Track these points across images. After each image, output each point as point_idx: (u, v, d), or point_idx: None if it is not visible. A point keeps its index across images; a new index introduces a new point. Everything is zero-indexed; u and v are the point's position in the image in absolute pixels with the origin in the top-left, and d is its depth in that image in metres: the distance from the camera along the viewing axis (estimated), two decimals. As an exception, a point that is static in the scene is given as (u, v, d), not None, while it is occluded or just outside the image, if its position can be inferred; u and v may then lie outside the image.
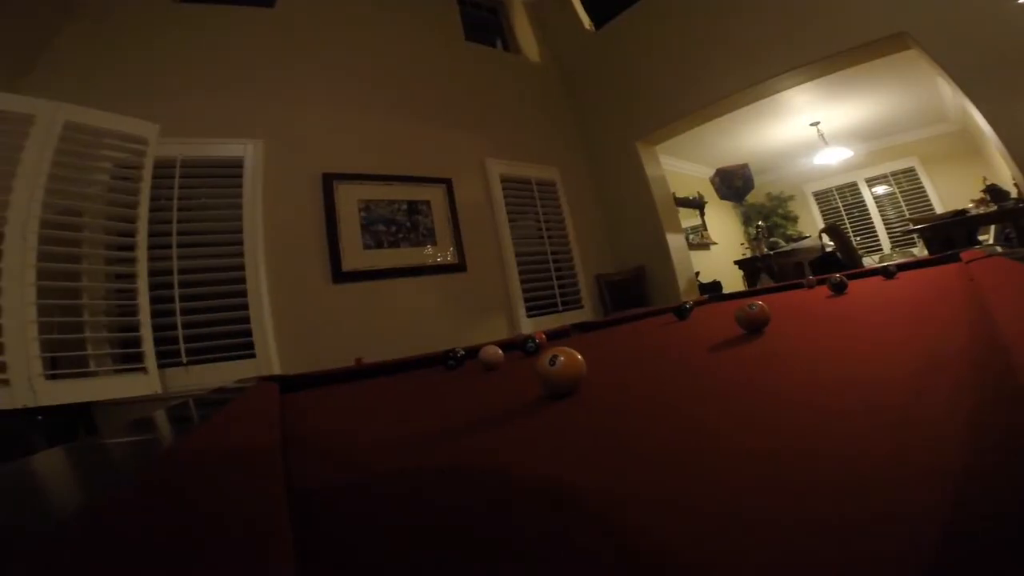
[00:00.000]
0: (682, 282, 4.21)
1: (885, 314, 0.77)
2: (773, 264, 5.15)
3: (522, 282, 3.79)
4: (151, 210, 2.40)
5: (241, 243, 2.68)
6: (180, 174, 2.56)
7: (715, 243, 6.72)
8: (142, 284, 2.28)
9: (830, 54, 3.29)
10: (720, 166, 6.21)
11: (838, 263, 4.20)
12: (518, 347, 1.25)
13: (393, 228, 3.25)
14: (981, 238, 3.88)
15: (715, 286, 4.96)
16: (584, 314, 4.06)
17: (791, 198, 7.48)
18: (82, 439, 1.68)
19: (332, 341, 2.79)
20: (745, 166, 6.05)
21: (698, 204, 6.69)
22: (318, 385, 1.20)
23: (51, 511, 0.27)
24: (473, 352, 1.23)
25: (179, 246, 2.48)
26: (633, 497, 0.25)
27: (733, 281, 6.26)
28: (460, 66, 4.07)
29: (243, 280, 2.64)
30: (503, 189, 3.92)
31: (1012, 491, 0.18)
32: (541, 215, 4.13)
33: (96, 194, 2.27)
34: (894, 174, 6.68)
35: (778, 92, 3.89)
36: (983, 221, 3.62)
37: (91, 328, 2.15)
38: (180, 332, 2.39)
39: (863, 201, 6.99)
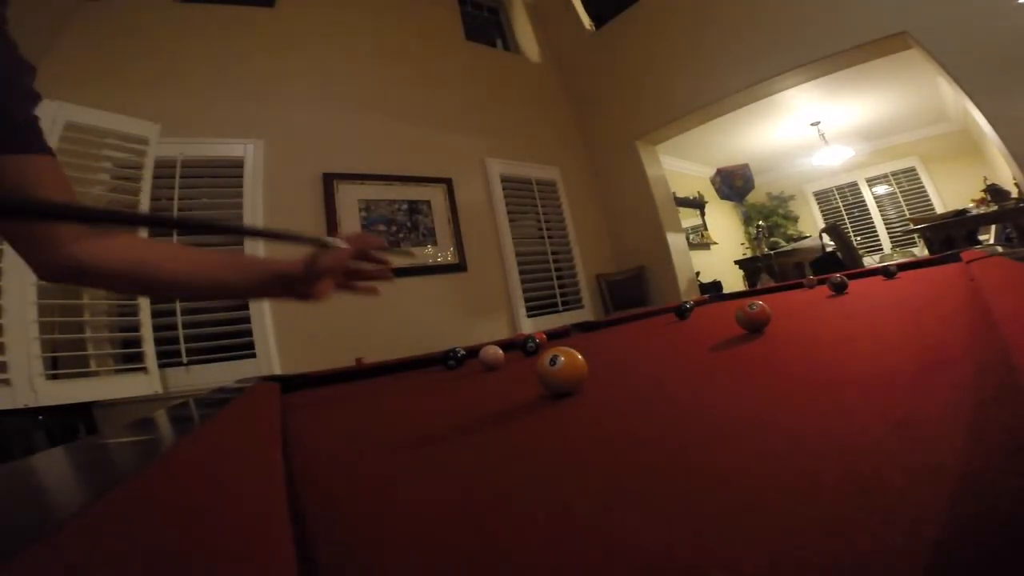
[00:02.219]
0: (682, 282, 4.21)
1: (886, 314, 0.77)
2: (773, 264, 5.15)
3: (522, 282, 3.79)
4: (152, 210, 2.40)
5: (242, 243, 2.68)
6: (181, 174, 2.56)
7: (715, 243, 6.72)
8: (143, 284, 2.27)
9: (830, 54, 3.28)
10: (720, 166, 6.21)
11: (838, 263, 4.20)
12: (518, 347, 1.25)
13: (393, 228, 3.26)
14: (982, 238, 3.88)
15: (715, 286, 4.96)
16: (584, 314, 4.06)
17: (791, 198, 7.48)
18: (83, 439, 1.67)
19: (333, 341, 2.79)
20: (745, 166, 6.05)
21: (698, 204, 6.69)
22: (319, 385, 1.20)
23: (51, 512, 0.27)
24: (474, 352, 1.23)
25: (179, 246, 2.48)
26: (633, 497, 0.25)
27: (733, 281, 6.26)
28: (460, 66, 4.07)
29: (243, 280, 2.64)
30: (503, 189, 3.91)
31: (1012, 491, 0.18)
32: (541, 215, 4.13)
33: (97, 194, 2.27)
34: (895, 174, 6.67)
35: (778, 92, 3.89)
36: (984, 221, 3.62)
37: (92, 328, 2.15)
38: (180, 332, 2.38)
39: (863, 201, 6.99)
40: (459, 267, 3.47)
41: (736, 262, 6.29)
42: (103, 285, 0.57)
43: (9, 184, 0.49)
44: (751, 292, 2.12)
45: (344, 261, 0.63)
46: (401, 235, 3.27)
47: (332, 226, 3.00)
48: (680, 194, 6.00)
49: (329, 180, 3.06)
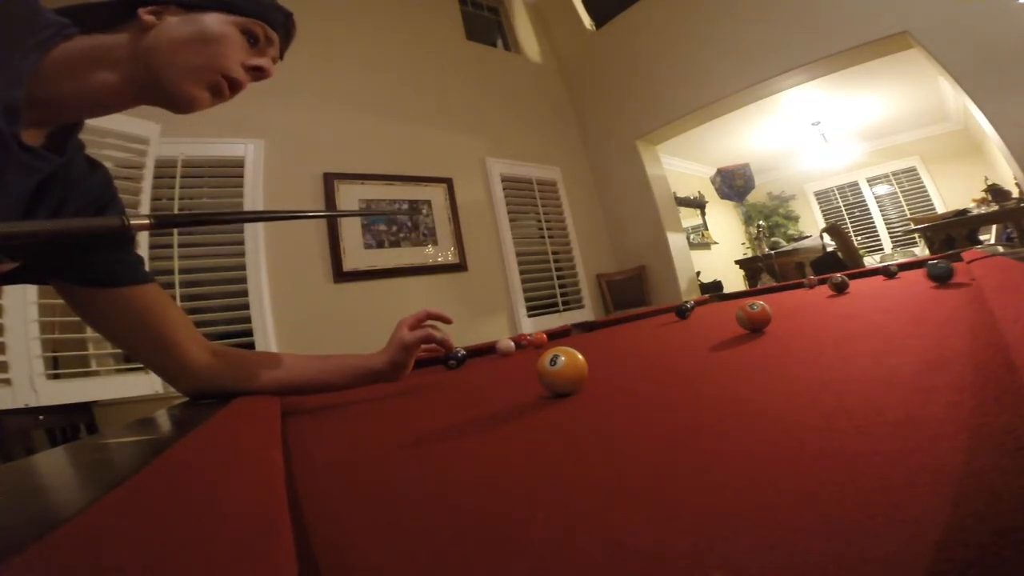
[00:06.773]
0: (683, 282, 4.21)
1: (886, 314, 0.77)
2: (774, 264, 5.15)
3: (523, 282, 3.79)
4: (152, 210, 2.40)
5: (242, 243, 2.68)
6: (181, 174, 2.57)
7: (716, 243, 6.73)
8: (143, 284, 2.28)
9: (831, 54, 3.29)
10: (721, 166, 6.22)
11: (839, 263, 4.20)
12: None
13: (394, 228, 3.26)
14: (982, 238, 3.87)
15: (716, 286, 4.96)
16: (585, 314, 4.06)
17: (792, 198, 7.48)
18: (83, 439, 1.68)
19: (333, 341, 2.79)
20: (746, 165, 6.05)
21: (699, 204, 6.69)
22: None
23: (51, 512, 0.27)
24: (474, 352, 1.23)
25: (180, 246, 2.49)
26: (633, 496, 0.25)
27: (734, 281, 6.26)
28: (460, 66, 4.07)
29: (244, 280, 2.64)
30: (504, 189, 3.92)
31: (1013, 491, 0.17)
32: (542, 215, 4.13)
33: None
34: (895, 174, 6.67)
35: (778, 92, 3.89)
36: (985, 221, 3.62)
37: (92, 328, 2.15)
38: (181, 332, 2.38)
39: (864, 201, 6.99)
40: (459, 267, 3.47)
41: (736, 262, 6.29)
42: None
43: (135, 306, 0.66)
44: (752, 292, 2.12)
45: (416, 351, 0.85)
46: (402, 235, 3.27)
47: (333, 226, 3.00)
48: (680, 194, 6.00)
49: (330, 180, 3.06)
